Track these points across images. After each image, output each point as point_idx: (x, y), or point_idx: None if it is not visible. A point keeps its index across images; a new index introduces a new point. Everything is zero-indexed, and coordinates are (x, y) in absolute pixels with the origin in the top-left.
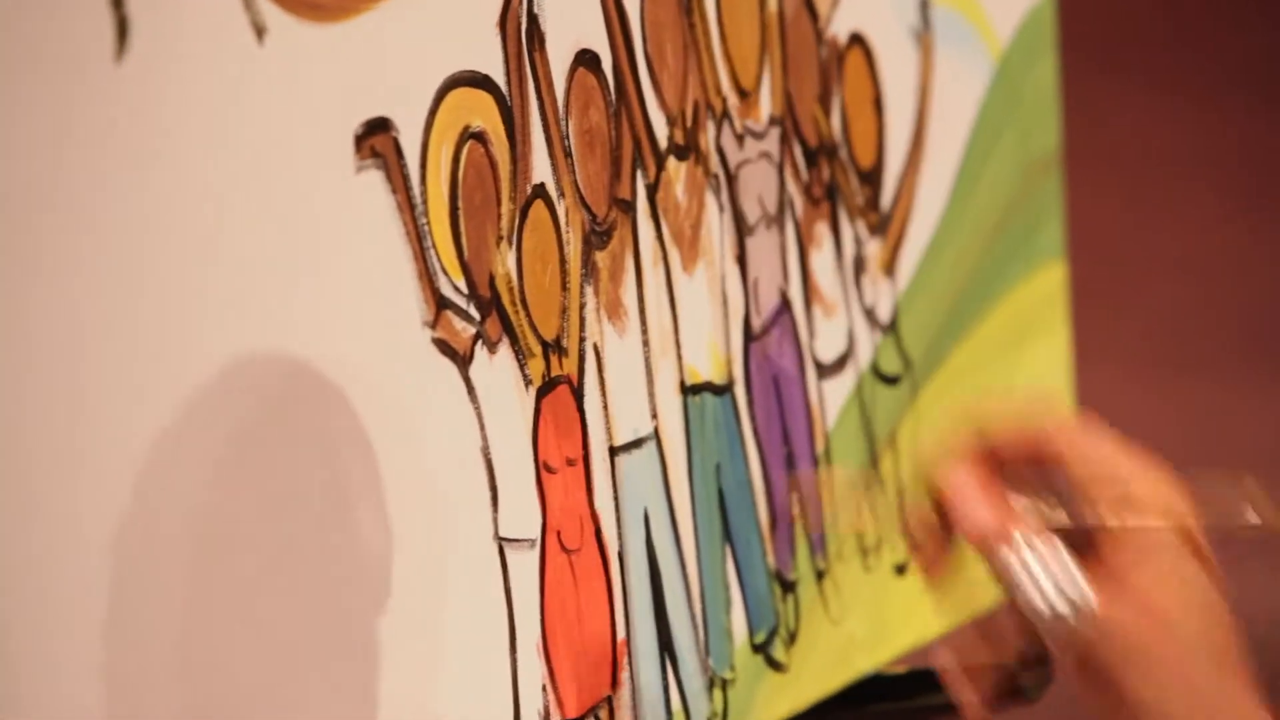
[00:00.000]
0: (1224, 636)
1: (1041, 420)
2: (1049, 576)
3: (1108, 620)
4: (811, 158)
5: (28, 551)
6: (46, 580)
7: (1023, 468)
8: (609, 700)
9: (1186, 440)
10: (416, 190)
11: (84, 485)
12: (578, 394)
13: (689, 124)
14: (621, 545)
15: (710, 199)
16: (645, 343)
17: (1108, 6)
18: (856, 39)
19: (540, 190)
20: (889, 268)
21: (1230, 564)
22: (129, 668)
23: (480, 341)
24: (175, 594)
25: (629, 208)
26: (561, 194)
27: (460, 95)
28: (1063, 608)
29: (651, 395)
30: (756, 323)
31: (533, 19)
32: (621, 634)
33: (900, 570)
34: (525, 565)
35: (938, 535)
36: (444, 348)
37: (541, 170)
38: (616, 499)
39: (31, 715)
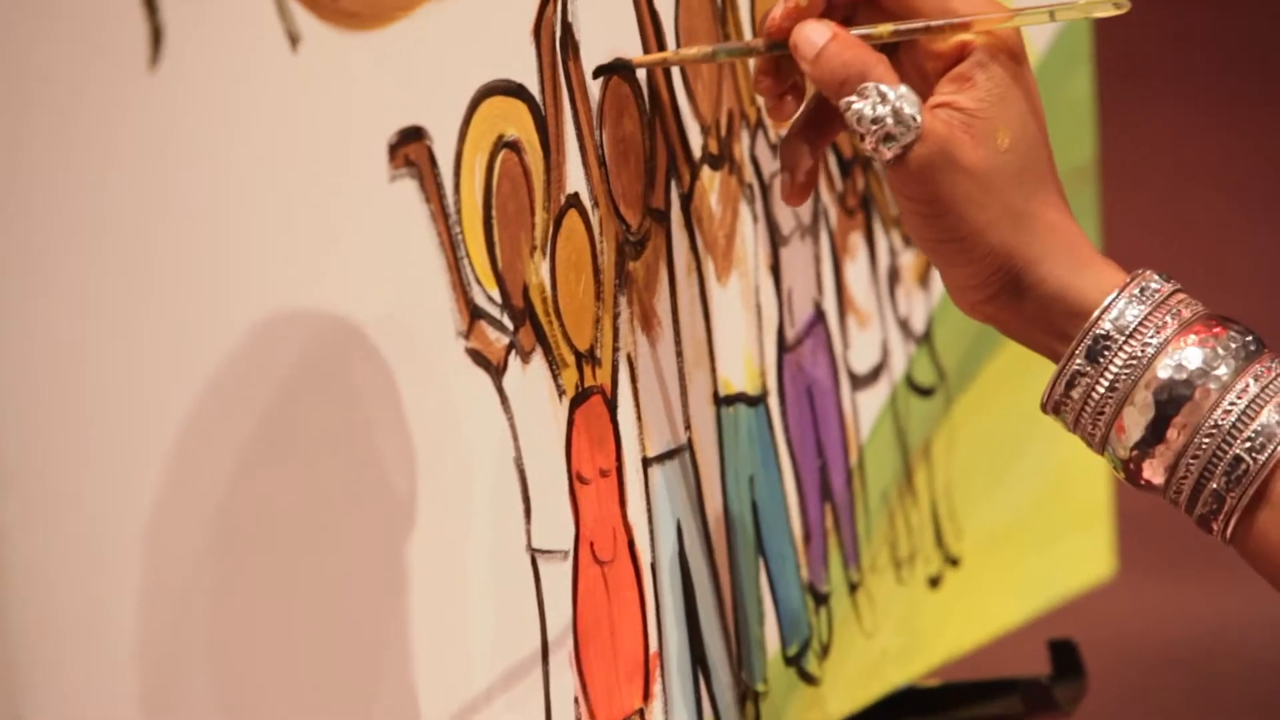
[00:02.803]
0: (1037, 151)
1: None
2: (887, 100)
3: (928, 129)
4: (846, 168)
5: (48, 548)
6: (71, 577)
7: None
8: (641, 713)
9: None
10: (450, 199)
11: (108, 482)
12: (611, 405)
13: (723, 133)
14: (654, 557)
15: (744, 209)
16: (679, 353)
17: (1141, 20)
18: None
19: (574, 200)
20: (923, 279)
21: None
22: (158, 664)
23: (514, 352)
24: (205, 592)
25: (663, 217)
26: (595, 203)
27: (494, 104)
28: (890, 120)
29: (685, 406)
30: (790, 333)
31: (567, 28)
32: (654, 646)
33: (934, 583)
34: (558, 576)
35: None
36: (478, 358)
37: (575, 179)
38: (650, 510)
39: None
